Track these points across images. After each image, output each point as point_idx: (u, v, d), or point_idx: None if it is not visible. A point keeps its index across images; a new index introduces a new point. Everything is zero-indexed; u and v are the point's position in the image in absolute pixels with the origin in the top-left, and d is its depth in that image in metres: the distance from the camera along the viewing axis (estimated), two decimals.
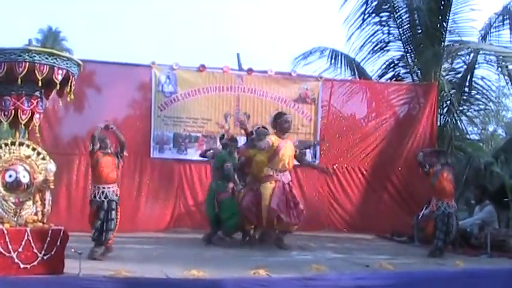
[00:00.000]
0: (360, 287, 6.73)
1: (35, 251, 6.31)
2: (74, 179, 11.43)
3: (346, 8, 15.67)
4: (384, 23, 15.93)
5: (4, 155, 6.79)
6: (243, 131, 10.77)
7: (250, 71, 12.72)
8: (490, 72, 15.41)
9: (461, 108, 15.33)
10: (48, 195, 6.89)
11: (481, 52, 14.57)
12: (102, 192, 7.91)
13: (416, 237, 10.92)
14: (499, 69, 14.94)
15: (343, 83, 13.91)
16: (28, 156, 6.89)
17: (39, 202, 6.82)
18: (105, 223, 7.85)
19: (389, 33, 15.96)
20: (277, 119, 10.02)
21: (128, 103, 12.17)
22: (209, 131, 12.30)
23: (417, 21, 15.28)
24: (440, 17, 15.05)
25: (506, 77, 15.12)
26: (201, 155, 11.42)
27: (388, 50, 16.16)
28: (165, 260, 7.85)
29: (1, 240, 6.21)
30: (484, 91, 15.53)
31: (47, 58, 6.77)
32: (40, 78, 6.69)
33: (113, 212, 7.90)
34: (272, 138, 9.78)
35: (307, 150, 12.68)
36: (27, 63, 6.63)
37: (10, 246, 6.21)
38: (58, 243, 6.45)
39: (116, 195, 8.01)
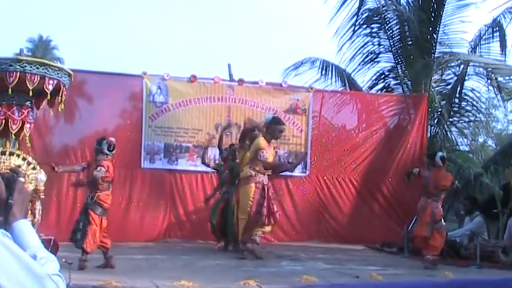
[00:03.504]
0: None
1: None
2: (64, 189, 11.38)
3: (337, 20, 15.77)
4: (374, 35, 16.02)
5: None
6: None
7: (241, 81, 12.73)
8: (480, 84, 15.54)
9: (451, 119, 15.41)
10: (38, 205, 6.87)
11: (470, 64, 14.66)
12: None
13: (406, 248, 10.93)
14: (489, 81, 15.04)
15: (333, 94, 13.95)
16: (19, 166, 6.86)
17: (30, 212, 6.80)
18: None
19: (379, 45, 16.06)
20: (274, 124, 9.90)
21: (119, 113, 12.15)
22: (200, 141, 12.27)
23: (408, 33, 15.37)
24: (430, 29, 15.16)
25: (495, 89, 15.22)
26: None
27: (378, 61, 16.25)
28: (155, 271, 7.84)
29: None
30: (474, 102, 15.64)
31: (38, 68, 6.76)
32: (31, 88, 6.69)
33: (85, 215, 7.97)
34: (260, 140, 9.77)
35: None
36: (18, 73, 6.62)
37: None
38: None
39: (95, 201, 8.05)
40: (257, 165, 9.66)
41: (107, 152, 8.26)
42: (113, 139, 8.44)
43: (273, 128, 9.79)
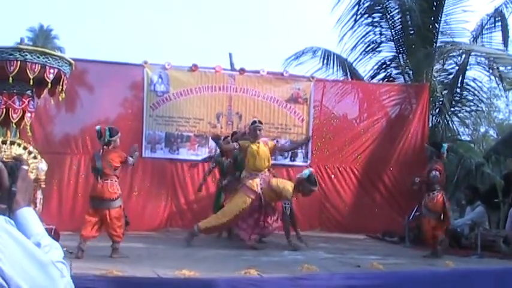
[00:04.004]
0: (350, 287, 6.76)
1: None
2: (66, 178, 11.39)
3: (338, 9, 15.70)
4: (376, 24, 15.96)
5: None
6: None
7: (242, 70, 12.69)
8: (482, 74, 15.50)
9: (452, 109, 15.37)
10: (39, 194, 6.88)
11: (472, 53, 14.62)
12: None
13: (407, 237, 10.93)
14: (490, 70, 15.01)
15: (335, 84, 13.91)
16: (19, 155, 6.87)
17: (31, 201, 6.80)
18: None
19: (381, 34, 16.00)
20: (308, 182, 9.99)
21: (120, 102, 12.13)
22: (201, 130, 12.27)
23: (409, 22, 15.32)
24: (432, 18, 15.10)
25: (497, 79, 15.18)
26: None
27: (380, 51, 16.19)
28: (156, 260, 7.85)
29: None
30: (476, 92, 15.60)
31: (38, 57, 6.76)
32: (31, 77, 6.68)
33: None
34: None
35: (299, 151, 12.74)
36: (19, 62, 6.62)
37: None
38: None
39: None
40: (251, 165, 9.90)
41: (98, 141, 8.38)
42: (97, 127, 8.48)
43: (306, 185, 9.92)
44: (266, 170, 10.11)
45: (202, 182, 11.66)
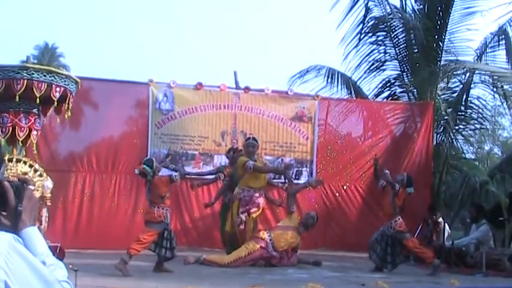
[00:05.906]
0: None
1: None
2: (70, 196, 11.41)
3: (343, 28, 15.77)
4: (380, 43, 16.02)
5: None
6: None
7: (247, 89, 12.75)
8: (486, 92, 15.52)
9: (457, 127, 15.38)
10: (45, 212, 6.91)
11: (476, 72, 14.64)
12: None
13: (412, 256, 10.89)
14: (495, 89, 15.02)
15: (339, 102, 13.96)
16: (25, 173, 6.91)
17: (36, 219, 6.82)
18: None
19: (385, 53, 16.05)
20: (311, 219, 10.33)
21: (125, 120, 12.19)
22: (206, 148, 12.30)
23: (413, 41, 15.36)
24: (436, 37, 15.15)
25: (501, 97, 15.19)
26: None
27: (384, 69, 16.24)
28: (161, 277, 7.85)
29: None
30: (480, 110, 15.61)
31: (45, 75, 6.82)
32: (38, 95, 6.74)
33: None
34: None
35: (303, 169, 12.74)
36: (26, 81, 6.68)
37: None
38: None
39: None
40: (243, 181, 10.01)
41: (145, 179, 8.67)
42: (136, 170, 8.80)
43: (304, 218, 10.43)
44: (261, 189, 10.08)
45: (214, 201, 11.57)
